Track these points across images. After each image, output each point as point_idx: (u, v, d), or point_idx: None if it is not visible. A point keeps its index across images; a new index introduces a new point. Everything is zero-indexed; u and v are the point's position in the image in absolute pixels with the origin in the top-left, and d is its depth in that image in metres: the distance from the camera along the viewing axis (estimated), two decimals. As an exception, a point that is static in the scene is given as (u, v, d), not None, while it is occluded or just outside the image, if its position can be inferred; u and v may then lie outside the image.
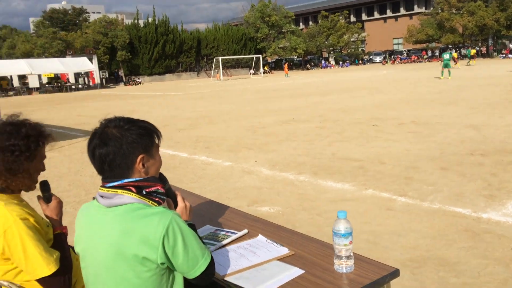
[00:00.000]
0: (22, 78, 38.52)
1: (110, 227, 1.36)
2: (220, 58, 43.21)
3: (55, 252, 1.63)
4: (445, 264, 3.11)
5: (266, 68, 54.42)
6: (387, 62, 58.79)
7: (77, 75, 41.52)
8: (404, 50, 63.82)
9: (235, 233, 1.96)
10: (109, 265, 1.36)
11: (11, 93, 36.56)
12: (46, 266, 1.56)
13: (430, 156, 6.25)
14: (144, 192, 1.42)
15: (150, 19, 48.59)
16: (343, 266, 1.60)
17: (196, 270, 1.40)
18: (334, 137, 8.27)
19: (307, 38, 58.83)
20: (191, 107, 16.24)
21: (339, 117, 10.82)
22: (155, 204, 1.43)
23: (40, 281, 1.59)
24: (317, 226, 3.96)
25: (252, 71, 49.25)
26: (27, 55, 43.04)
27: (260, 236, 1.93)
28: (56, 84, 38.46)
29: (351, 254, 1.61)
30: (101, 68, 44.67)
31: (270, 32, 56.38)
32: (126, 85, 44.53)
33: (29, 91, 36.90)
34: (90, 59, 41.21)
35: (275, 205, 4.61)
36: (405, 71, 34.78)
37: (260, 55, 49.63)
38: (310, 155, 6.84)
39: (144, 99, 22.83)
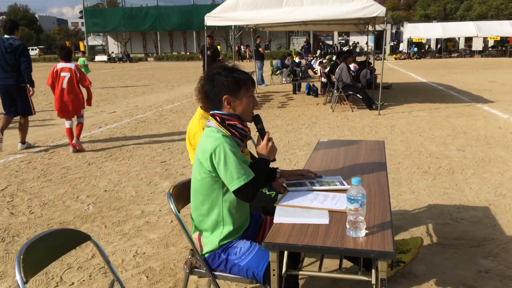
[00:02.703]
0: (468, 40, 39.02)
1: (201, 137, 2.09)
2: None
3: None
4: None
5: None
6: None
7: (528, 39, 37.80)
8: None
9: (341, 186, 2.20)
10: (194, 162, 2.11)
11: (455, 54, 37.99)
12: None
13: None
14: (226, 123, 2.02)
15: None
16: (351, 229, 1.67)
17: (231, 186, 1.91)
18: None
19: None
20: None
21: None
22: (229, 133, 2.00)
23: None
24: None
25: None
26: (482, 17, 42.76)
27: (351, 193, 2.10)
28: (501, 48, 36.69)
29: (359, 220, 1.65)
30: None
31: None
32: None
33: (472, 53, 37.13)
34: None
35: None
36: None
37: None
38: None
39: None
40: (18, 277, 1.51)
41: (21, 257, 1.54)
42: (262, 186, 2.14)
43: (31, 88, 6.29)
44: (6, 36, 6.15)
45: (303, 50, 29.74)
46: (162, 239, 3.39)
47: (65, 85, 6.06)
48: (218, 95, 2.03)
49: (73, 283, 2.79)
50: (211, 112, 2.09)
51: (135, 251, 3.20)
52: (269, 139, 2.13)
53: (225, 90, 2.02)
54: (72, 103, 6.15)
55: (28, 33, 70.59)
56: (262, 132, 2.16)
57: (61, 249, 1.81)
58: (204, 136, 2.03)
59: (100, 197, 4.36)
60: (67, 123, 6.24)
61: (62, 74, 6.08)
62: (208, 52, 12.20)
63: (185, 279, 2.24)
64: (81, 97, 6.29)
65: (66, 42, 54.05)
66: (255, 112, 2.17)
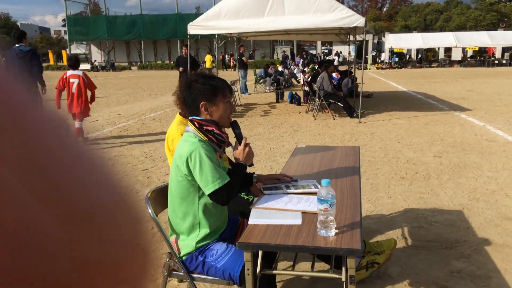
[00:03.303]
0: (448, 50, 39.88)
1: (179, 142, 2.14)
2: None
3: None
4: None
5: None
6: None
7: (505, 50, 38.90)
8: None
9: (315, 189, 2.27)
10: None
11: (435, 64, 38.78)
12: None
13: None
14: (203, 129, 2.08)
15: None
16: (321, 229, 1.74)
17: (206, 190, 1.97)
18: None
19: None
20: None
21: None
22: (206, 138, 2.06)
23: None
24: None
25: None
26: (461, 27, 43.79)
27: (324, 195, 2.17)
28: (479, 58, 37.62)
29: (329, 220, 1.72)
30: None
31: None
32: None
33: (451, 63, 37.94)
34: (527, 32, 37.37)
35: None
36: None
37: None
38: None
39: None
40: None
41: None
42: (238, 190, 2.20)
43: (42, 87, 7.05)
44: (16, 45, 6.82)
45: (282, 59, 29.98)
46: (142, 245, 3.41)
47: (74, 90, 6.78)
48: (195, 101, 2.10)
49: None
50: (190, 118, 2.15)
51: (115, 257, 3.21)
52: (246, 145, 2.19)
53: (202, 97, 2.08)
54: (83, 103, 6.86)
55: (10, 41, 69.72)
56: (239, 138, 2.23)
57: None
58: (181, 141, 2.09)
59: (81, 204, 4.35)
60: (77, 124, 6.88)
61: (71, 80, 6.80)
62: (181, 69, 11.33)
63: (163, 282, 2.27)
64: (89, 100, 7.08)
65: (49, 51, 53.51)
66: (236, 119, 2.24)
